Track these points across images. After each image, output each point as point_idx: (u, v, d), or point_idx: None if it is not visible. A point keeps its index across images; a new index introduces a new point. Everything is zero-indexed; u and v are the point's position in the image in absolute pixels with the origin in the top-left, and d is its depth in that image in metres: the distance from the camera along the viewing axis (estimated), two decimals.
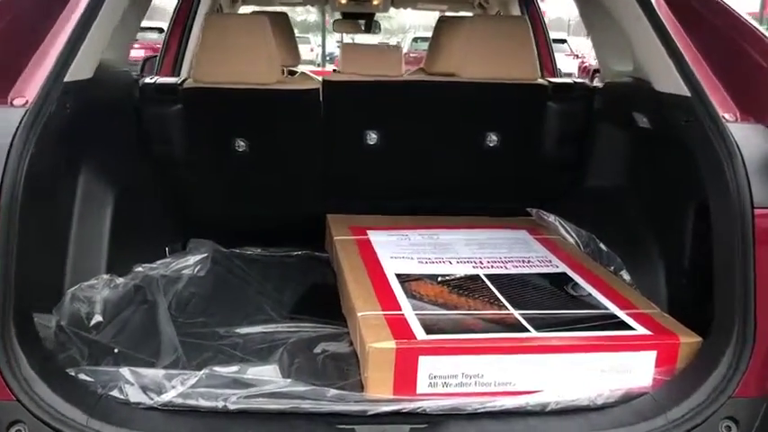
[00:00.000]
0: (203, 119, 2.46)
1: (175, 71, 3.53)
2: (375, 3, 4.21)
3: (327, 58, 22.37)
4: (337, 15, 4.67)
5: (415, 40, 18.93)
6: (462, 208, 2.63)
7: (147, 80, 2.47)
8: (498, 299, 1.85)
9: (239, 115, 2.47)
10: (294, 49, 3.58)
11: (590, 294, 1.91)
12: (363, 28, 4.57)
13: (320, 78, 2.61)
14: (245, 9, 4.36)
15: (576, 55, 17.62)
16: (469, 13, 4.35)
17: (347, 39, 22.81)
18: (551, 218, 2.45)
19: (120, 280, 2.03)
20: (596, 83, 2.66)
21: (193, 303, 2.11)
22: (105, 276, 2.00)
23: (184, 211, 2.56)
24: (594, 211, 2.45)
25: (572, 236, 2.35)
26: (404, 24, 29.01)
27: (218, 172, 2.56)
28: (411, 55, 18.46)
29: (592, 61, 18.10)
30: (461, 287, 1.92)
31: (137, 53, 4.74)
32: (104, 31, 1.88)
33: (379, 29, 4.61)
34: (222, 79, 2.39)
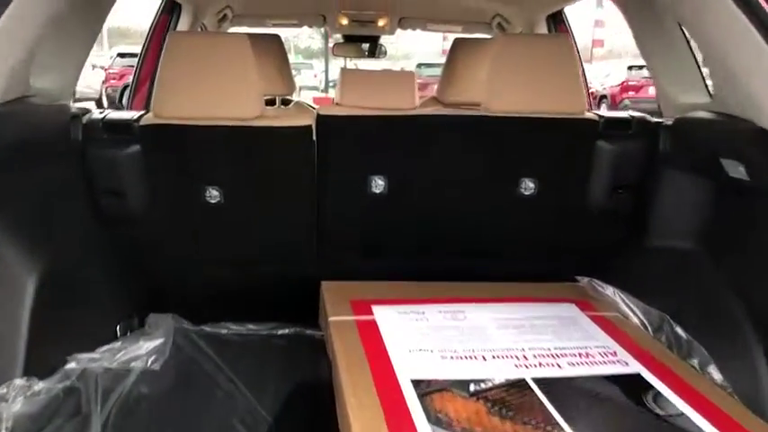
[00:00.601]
0: (166, 163, 1.96)
1: (149, 104, 3.04)
2: (380, 24, 3.73)
3: (331, 84, 21.98)
4: (339, 38, 4.20)
5: (419, 65, 18.54)
6: (490, 271, 2.12)
7: (95, 115, 1.96)
8: (557, 422, 1.32)
9: (211, 158, 1.97)
10: (287, 76, 3.09)
11: (682, 414, 1.38)
12: (367, 53, 4.09)
13: (316, 109, 2.12)
14: (235, 31, 3.89)
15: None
16: (486, 35, 3.87)
17: (350, 65, 22.75)
18: (609, 290, 1.93)
19: (41, 384, 1.50)
20: (629, 113, 2.16)
21: (141, 413, 1.59)
22: (19, 381, 1.48)
23: (142, 279, 2.05)
24: (663, 281, 1.93)
25: (637, 315, 1.83)
26: (407, 50, 28.76)
27: (184, 229, 2.05)
28: (416, 81, 18.08)
29: (597, 86, 17.79)
30: (504, 403, 1.39)
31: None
32: (18, 52, 1.39)
33: (385, 53, 4.13)
34: (190, 114, 1.89)
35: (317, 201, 2.06)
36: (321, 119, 2.01)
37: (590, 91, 12.23)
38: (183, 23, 3.07)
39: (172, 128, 1.90)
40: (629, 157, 2.07)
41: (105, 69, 15.00)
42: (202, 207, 1.99)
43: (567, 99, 2.00)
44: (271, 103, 3.22)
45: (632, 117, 2.09)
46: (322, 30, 4.07)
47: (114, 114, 1.97)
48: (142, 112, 1.99)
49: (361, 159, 2.06)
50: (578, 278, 1.99)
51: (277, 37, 3.18)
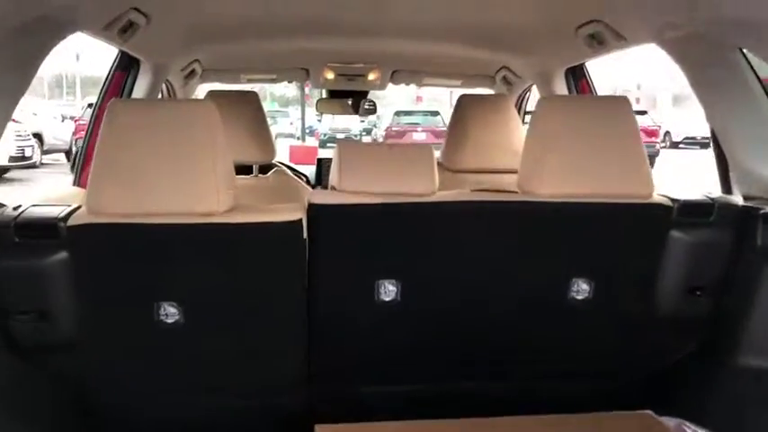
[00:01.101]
0: (104, 274, 1.47)
1: None
2: (370, 78, 3.30)
3: (307, 131, 21.70)
4: (322, 93, 3.76)
5: (397, 113, 18.34)
6: (532, 399, 1.63)
7: (7, 212, 1.47)
8: None
9: (166, 267, 1.48)
10: (266, 139, 2.63)
11: None
12: (356, 110, 3.64)
13: (308, 195, 1.64)
14: (206, 87, 3.44)
15: None
16: (490, 91, 3.45)
17: (327, 116, 22.36)
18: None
19: None
20: (733, 198, 1.72)
21: None
22: None
23: (75, 424, 1.53)
24: (752, 414, 1.47)
25: None
26: (377, 94, 28.37)
27: (131, 357, 1.55)
28: (393, 129, 17.86)
29: None
30: None
31: None
32: None
33: (374, 109, 3.69)
34: (135, 209, 1.41)
35: (309, 317, 1.57)
36: (314, 210, 1.54)
37: None
38: (143, 82, 2.60)
39: (111, 228, 1.42)
40: (709, 251, 1.62)
41: (75, 120, 14.51)
42: (155, 329, 1.49)
43: (632, 179, 1.55)
44: (246, 170, 2.75)
45: (713, 200, 1.64)
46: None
47: (35, 211, 1.48)
48: (72, 207, 1.49)
49: (366, 260, 1.58)
50: (662, 418, 1.50)
51: (253, 95, 2.72)
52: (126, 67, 2.59)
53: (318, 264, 1.55)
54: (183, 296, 1.48)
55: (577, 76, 2.72)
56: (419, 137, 17.04)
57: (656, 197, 1.60)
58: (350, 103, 3.64)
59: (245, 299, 1.51)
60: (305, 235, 1.51)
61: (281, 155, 2.80)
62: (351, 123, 22.90)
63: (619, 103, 1.61)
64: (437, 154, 2.04)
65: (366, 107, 3.65)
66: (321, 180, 3.77)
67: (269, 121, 2.79)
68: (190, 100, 1.37)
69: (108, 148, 1.41)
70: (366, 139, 22.68)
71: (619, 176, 1.55)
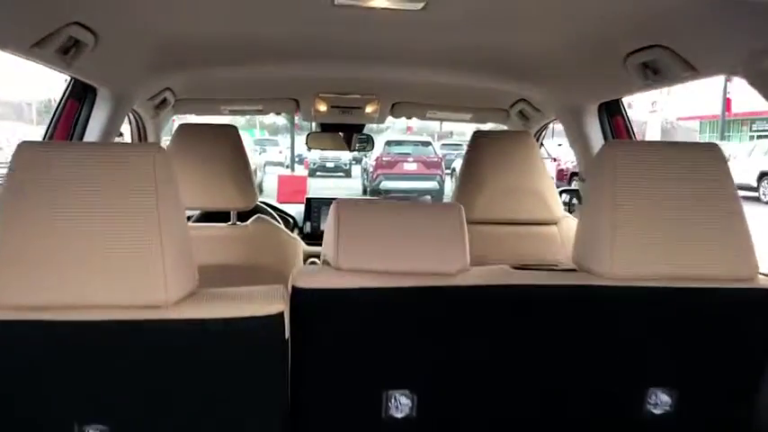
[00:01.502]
0: (12, 389, 1.04)
1: None
2: (368, 111, 2.90)
3: (297, 160, 21.32)
4: (312, 124, 3.36)
5: (388, 143, 18.03)
6: None
7: None
8: None
9: (89, 380, 1.05)
10: (246, 181, 2.22)
11: None
12: (351, 146, 3.24)
13: (292, 277, 1.22)
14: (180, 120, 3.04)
15: (553, 158, 16.74)
16: (502, 126, 3.07)
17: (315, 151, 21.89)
18: None
19: None
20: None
21: None
22: None
23: None
24: None
25: None
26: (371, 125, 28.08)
27: None
28: (384, 158, 17.48)
29: (569, 165, 17.33)
30: None
31: None
32: None
33: (372, 145, 3.28)
34: (42, 301, 0.99)
35: None
36: (300, 297, 1.12)
37: (559, 167, 11.69)
38: (101, 114, 2.18)
39: (22, 327, 0.99)
40: None
41: None
42: None
43: (731, 256, 1.15)
44: (223, 217, 2.34)
45: None
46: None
47: None
48: None
49: (371, 364, 1.16)
50: None
51: (231, 130, 2.31)
52: (80, 96, 2.18)
53: (305, 370, 1.13)
54: (109, 415, 1.05)
55: (612, 113, 2.34)
56: (410, 167, 16.68)
57: (763, 280, 1.20)
58: (342, 136, 3.24)
59: (203, 421, 1.08)
60: (287, 333, 1.09)
61: (270, 184, 2.38)
62: (341, 152, 22.57)
63: (709, 153, 1.21)
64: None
65: (360, 142, 3.25)
66: (311, 221, 3.36)
67: (257, 149, 2.39)
68: (126, 145, 0.98)
69: (13, 219, 0.99)
70: (356, 168, 22.33)
71: (714, 253, 1.15)
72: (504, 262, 2.10)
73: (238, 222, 2.31)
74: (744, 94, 21.87)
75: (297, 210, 3.55)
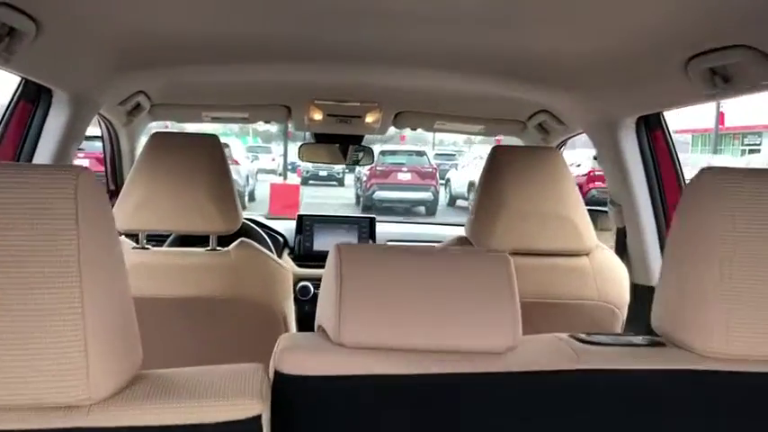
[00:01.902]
0: None
1: None
2: (368, 121, 2.59)
3: (289, 168, 21.00)
4: (305, 134, 3.04)
5: (383, 153, 17.70)
6: None
7: None
8: None
9: None
10: (228, 200, 1.91)
11: None
12: (342, 155, 2.92)
13: (273, 355, 0.90)
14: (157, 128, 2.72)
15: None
16: (517, 140, 2.76)
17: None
18: None
19: None
20: None
21: None
22: None
23: None
24: None
25: None
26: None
27: None
28: (378, 168, 17.17)
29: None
30: None
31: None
32: None
33: (372, 158, 2.96)
34: None
35: None
36: (286, 387, 0.80)
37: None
38: (58, 118, 1.86)
39: None
40: None
41: None
42: None
43: None
44: (201, 240, 2.03)
45: None
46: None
47: None
48: None
49: None
50: None
51: (212, 141, 1.99)
52: (34, 99, 1.86)
53: None
54: None
55: (651, 128, 2.03)
56: (404, 177, 16.40)
57: None
58: (339, 148, 2.92)
59: None
60: None
61: (262, 191, 2.03)
62: None
63: None
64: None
65: (358, 155, 2.94)
66: (302, 240, 3.05)
67: (249, 156, 2.07)
68: (33, 168, 0.69)
69: None
70: (349, 176, 21.97)
71: None
72: (526, 299, 1.78)
73: (219, 247, 1.99)
74: (736, 108, 21.74)
75: (286, 227, 3.23)
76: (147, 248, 1.96)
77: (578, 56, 1.69)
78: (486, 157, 2.05)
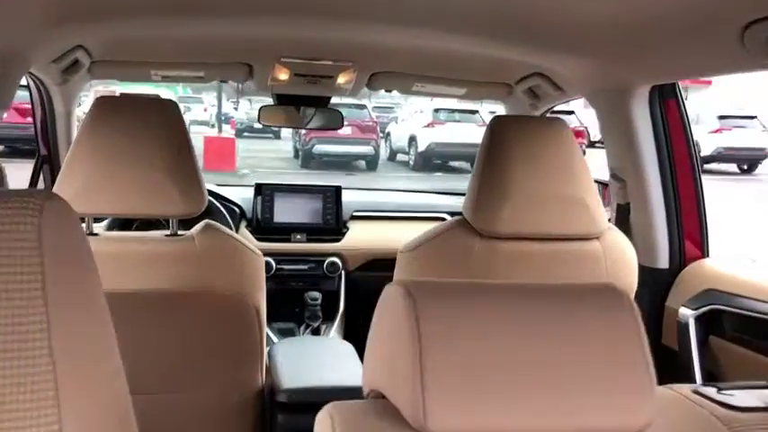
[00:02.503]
0: None
1: None
2: (340, 82, 2.31)
3: (223, 119, 20.24)
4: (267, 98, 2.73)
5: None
6: None
7: None
8: None
9: None
10: (191, 178, 1.63)
11: None
12: (304, 119, 2.63)
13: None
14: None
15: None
16: (499, 107, 2.54)
17: (244, 102, 20.69)
18: None
19: None
20: None
21: None
22: None
23: None
24: None
25: None
26: None
27: None
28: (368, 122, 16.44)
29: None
30: None
31: None
32: None
33: (341, 122, 2.68)
34: None
35: None
36: None
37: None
38: None
39: None
40: None
41: None
42: None
43: None
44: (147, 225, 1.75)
45: None
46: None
47: None
48: None
49: None
50: None
51: (170, 107, 1.69)
52: None
53: None
54: None
55: (665, 96, 1.84)
56: (345, 131, 16.00)
57: None
58: (303, 113, 2.63)
59: None
60: None
61: (195, 144, 1.74)
62: None
63: None
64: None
65: (326, 120, 2.66)
66: (262, 211, 2.78)
67: (181, 108, 1.80)
68: None
69: None
70: (285, 129, 21.29)
71: None
72: None
73: (179, 232, 1.72)
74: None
75: (241, 196, 2.95)
76: (97, 234, 1.67)
77: (595, 16, 1.47)
78: (425, 110, 1.82)
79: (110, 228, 2.53)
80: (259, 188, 2.85)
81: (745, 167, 15.60)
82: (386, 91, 2.53)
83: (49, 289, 0.46)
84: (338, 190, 2.90)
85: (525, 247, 1.70)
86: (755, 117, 16.49)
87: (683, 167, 1.88)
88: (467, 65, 2.23)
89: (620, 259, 1.77)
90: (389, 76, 2.36)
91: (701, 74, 1.70)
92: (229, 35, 1.95)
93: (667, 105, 1.84)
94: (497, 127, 1.74)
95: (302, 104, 2.57)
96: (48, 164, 2.52)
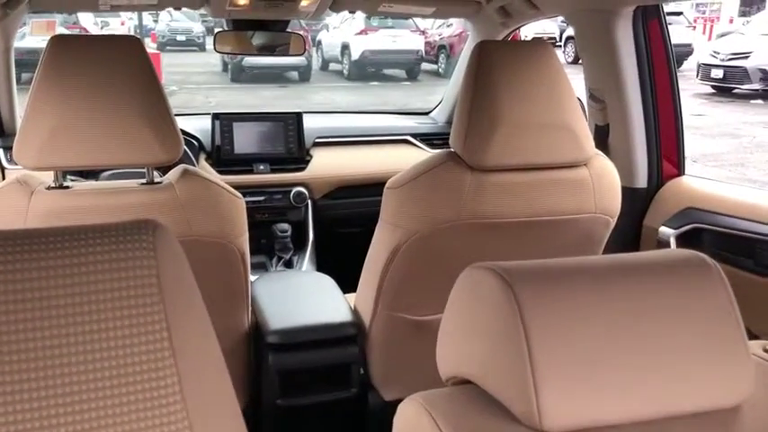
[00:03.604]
0: None
1: None
2: (304, 4, 2.18)
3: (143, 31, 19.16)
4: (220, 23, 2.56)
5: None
6: None
7: None
8: None
9: None
10: (164, 118, 1.53)
11: None
12: (268, 48, 2.48)
13: None
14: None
15: (421, 31, 16.15)
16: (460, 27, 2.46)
17: (164, 14, 19.49)
18: None
19: None
20: None
21: None
22: None
23: None
24: None
25: None
26: None
27: None
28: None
29: (436, 37, 16.66)
30: None
31: None
32: None
33: (303, 47, 2.54)
34: None
35: None
36: None
37: (428, 41, 11.43)
38: None
39: None
40: None
41: None
42: None
43: None
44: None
45: None
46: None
47: None
48: None
49: None
50: None
51: (134, 43, 1.56)
52: None
53: None
54: None
55: (648, 16, 1.81)
56: None
57: None
58: (264, 36, 2.49)
59: None
60: None
61: None
62: (192, 23, 20.54)
63: None
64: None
65: (285, 43, 2.53)
66: (221, 142, 2.68)
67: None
68: (94, 229, 0.41)
69: None
70: (209, 39, 20.31)
71: None
72: (527, 218, 1.59)
73: (156, 179, 1.62)
74: None
75: (197, 126, 2.82)
76: (68, 187, 1.56)
77: None
78: (357, 16, 1.75)
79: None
80: (216, 117, 2.73)
81: None
82: (349, 12, 2.41)
83: (169, 314, 0.44)
84: (299, 116, 2.80)
85: (515, 178, 1.69)
86: (681, 13, 16.75)
87: (663, 87, 1.88)
88: None
89: (607, 186, 1.78)
90: None
91: None
92: None
93: (650, 26, 1.81)
94: (483, 54, 1.68)
95: (260, 29, 2.42)
96: None
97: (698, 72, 13.39)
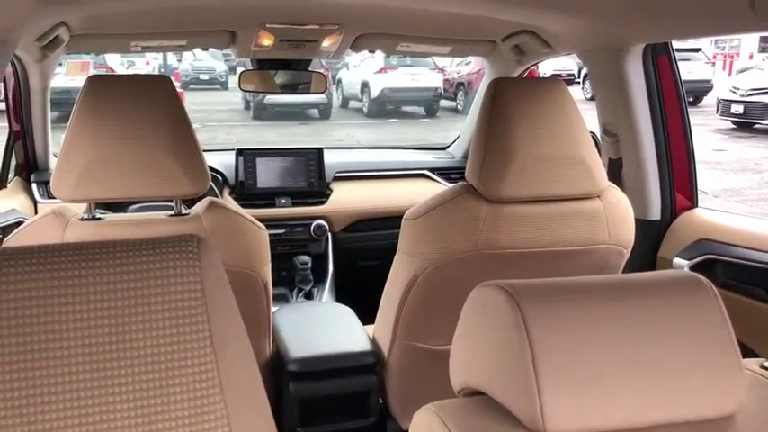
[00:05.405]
0: None
1: None
2: (325, 45, 2.27)
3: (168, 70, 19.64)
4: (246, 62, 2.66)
5: None
6: None
7: None
8: None
9: None
10: (193, 157, 1.61)
11: None
12: (289, 86, 2.58)
13: None
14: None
15: (440, 69, 16.38)
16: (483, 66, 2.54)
17: (188, 54, 20.08)
18: None
19: None
20: None
21: None
22: None
23: None
24: None
25: None
26: None
27: None
28: None
29: (455, 75, 16.89)
30: None
31: None
32: None
33: (324, 85, 2.65)
34: None
35: None
36: None
37: (446, 78, 11.54)
38: None
39: None
40: None
41: None
42: None
43: None
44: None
45: None
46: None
47: None
48: None
49: None
50: None
51: (164, 83, 1.65)
52: None
53: None
54: None
55: (658, 53, 1.87)
56: None
57: None
58: (286, 75, 2.58)
59: None
60: None
61: None
62: (215, 62, 21.00)
63: None
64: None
65: (307, 82, 2.62)
66: (245, 177, 2.76)
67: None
68: (145, 246, 0.48)
69: None
70: (232, 79, 20.77)
71: None
72: (542, 249, 1.63)
73: (183, 211, 1.69)
74: None
75: (222, 161, 2.91)
76: (100, 218, 1.64)
77: None
78: (376, 55, 1.82)
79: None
80: (240, 153, 2.82)
81: (691, 100, 16.03)
82: (369, 52, 2.50)
83: (212, 321, 0.50)
84: (320, 152, 2.89)
85: (530, 210, 1.73)
86: (700, 50, 16.83)
87: (674, 121, 1.93)
88: (453, 24, 2.21)
89: (621, 217, 1.82)
90: (375, 38, 2.33)
91: (700, 34, 1.72)
92: (212, 2, 1.89)
93: (660, 62, 1.87)
94: (498, 90, 1.74)
95: (283, 68, 2.52)
96: (21, 140, 2.43)
97: (718, 108, 13.40)
